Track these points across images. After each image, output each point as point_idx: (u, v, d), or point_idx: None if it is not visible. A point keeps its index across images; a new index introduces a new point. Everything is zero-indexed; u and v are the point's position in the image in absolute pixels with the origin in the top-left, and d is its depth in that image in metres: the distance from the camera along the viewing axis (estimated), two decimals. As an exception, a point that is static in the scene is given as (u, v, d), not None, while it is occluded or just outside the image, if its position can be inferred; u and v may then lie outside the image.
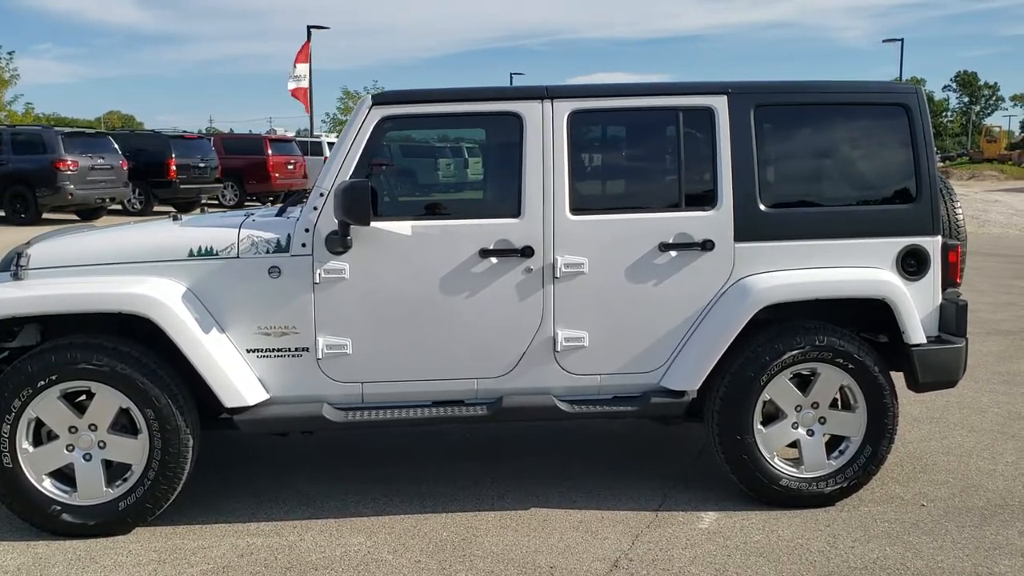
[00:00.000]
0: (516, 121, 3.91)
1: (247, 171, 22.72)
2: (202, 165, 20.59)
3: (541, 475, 4.47)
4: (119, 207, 19.30)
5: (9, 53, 38.66)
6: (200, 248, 3.83)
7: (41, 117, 51.81)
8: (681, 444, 4.94)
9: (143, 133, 23.56)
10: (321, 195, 3.84)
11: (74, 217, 17.74)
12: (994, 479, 4.42)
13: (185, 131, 24.50)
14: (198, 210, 18.65)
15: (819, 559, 3.57)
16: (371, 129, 3.86)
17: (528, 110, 3.91)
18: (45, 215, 17.12)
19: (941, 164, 49.74)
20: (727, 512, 4.01)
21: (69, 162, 16.74)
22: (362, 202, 3.63)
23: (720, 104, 3.98)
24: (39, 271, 3.83)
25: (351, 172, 3.83)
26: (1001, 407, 5.67)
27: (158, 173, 19.59)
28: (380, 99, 3.91)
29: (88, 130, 21.31)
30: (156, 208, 19.56)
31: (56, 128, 17.75)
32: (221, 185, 21.89)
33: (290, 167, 23.37)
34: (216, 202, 22.28)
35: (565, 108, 3.92)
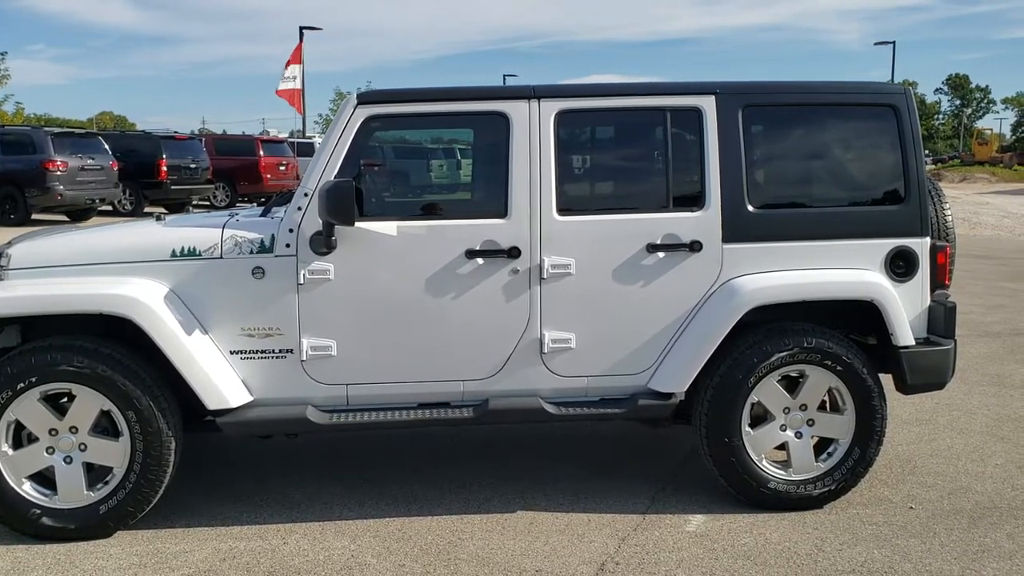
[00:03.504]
0: (503, 121, 3.88)
1: (238, 172, 22.62)
2: (193, 166, 20.49)
3: (527, 478, 4.44)
4: (109, 208, 19.21)
5: (2, 54, 38.39)
6: (183, 248, 3.79)
7: (32, 117, 51.60)
8: (669, 447, 4.91)
9: (134, 134, 23.47)
10: (305, 195, 3.80)
11: (64, 218, 17.63)
12: (983, 482, 4.40)
13: (176, 132, 24.35)
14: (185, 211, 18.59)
15: (807, 562, 3.54)
16: (356, 128, 3.83)
17: (515, 110, 3.88)
18: (35, 216, 17.00)
19: (933, 167, 49.90)
20: (715, 515, 3.99)
21: (58, 163, 16.63)
22: (346, 202, 3.60)
23: (708, 104, 3.96)
24: (20, 271, 3.79)
25: (336, 172, 3.80)
26: (991, 409, 5.66)
27: (149, 174, 19.47)
28: (365, 98, 3.88)
29: (78, 130, 21.17)
30: (147, 209, 19.47)
31: (45, 128, 17.64)
32: (212, 186, 21.78)
33: (282, 168, 23.29)
34: (207, 203, 22.20)
35: (552, 108, 3.89)
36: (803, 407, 4.02)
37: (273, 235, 3.80)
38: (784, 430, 4.02)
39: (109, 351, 3.65)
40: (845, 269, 4.00)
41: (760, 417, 4.03)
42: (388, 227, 3.82)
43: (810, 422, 4.03)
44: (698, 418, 3.98)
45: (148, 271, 3.77)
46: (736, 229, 3.94)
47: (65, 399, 3.72)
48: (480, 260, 3.85)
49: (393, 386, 3.90)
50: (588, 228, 3.90)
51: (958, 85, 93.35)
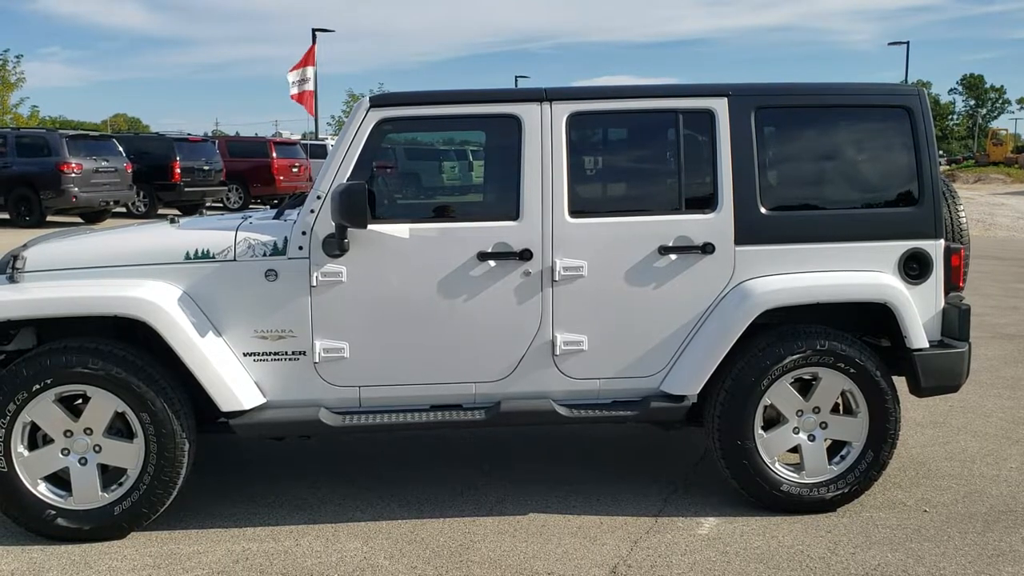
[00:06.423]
0: (515, 123, 3.88)
1: (251, 174, 22.74)
2: (206, 168, 20.61)
3: (539, 480, 4.43)
4: (123, 210, 19.33)
5: (17, 56, 38.31)
6: (196, 251, 3.81)
7: (47, 120, 51.84)
8: (681, 449, 4.90)
9: (147, 136, 23.58)
10: (318, 198, 3.82)
11: (78, 220, 17.77)
12: (998, 485, 4.37)
13: (189, 134, 24.48)
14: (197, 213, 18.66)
15: (820, 565, 3.53)
16: (369, 131, 3.84)
17: (527, 112, 3.88)
18: (49, 218, 17.14)
19: (947, 168, 49.59)
20: (727, 518, 3.97)
21: (73, 165, 16.77)
22: (359, 204, 3.60)
23: (720, 106, 3.95)
24: (35, 274, 3.81)
25: (348, 174, 3.81)
26: (1005, 412, 5.62)
27: (162, 176, 19.62)
28: (378, 101, 3.89)
29: (92, 133, 21.30)
30: (161, 211, 19.59)
31: (60, 131, 17.78)
32: (225, 188, 21.90)
33: (294, 170, 23.39)
34: (220, 205, 22.31)
35: (564, 110, 3.89)
36: (816, 410, 4.00)
37: (286, 237, 3.81)
38: (797, 433, 4.01)
39: (124, 353, 3.68)
40: (858, 271, 3.99)
41: (773, 420, 4.02)
42: (400, 229, 3.83)
43: (823, 425, 4.01)
44: (711, 421, 3.97)
45: (162, 273, 3.79)
46: (749, 231, 3.93)
47: (80, 401, 3.75)
48: (492, 262, 3.85)
49: (405, 388, 3.91)
50: (600, 230, 3.90)
51: (973, 85, 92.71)
